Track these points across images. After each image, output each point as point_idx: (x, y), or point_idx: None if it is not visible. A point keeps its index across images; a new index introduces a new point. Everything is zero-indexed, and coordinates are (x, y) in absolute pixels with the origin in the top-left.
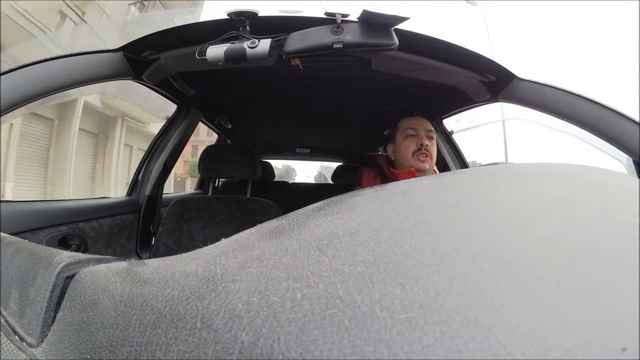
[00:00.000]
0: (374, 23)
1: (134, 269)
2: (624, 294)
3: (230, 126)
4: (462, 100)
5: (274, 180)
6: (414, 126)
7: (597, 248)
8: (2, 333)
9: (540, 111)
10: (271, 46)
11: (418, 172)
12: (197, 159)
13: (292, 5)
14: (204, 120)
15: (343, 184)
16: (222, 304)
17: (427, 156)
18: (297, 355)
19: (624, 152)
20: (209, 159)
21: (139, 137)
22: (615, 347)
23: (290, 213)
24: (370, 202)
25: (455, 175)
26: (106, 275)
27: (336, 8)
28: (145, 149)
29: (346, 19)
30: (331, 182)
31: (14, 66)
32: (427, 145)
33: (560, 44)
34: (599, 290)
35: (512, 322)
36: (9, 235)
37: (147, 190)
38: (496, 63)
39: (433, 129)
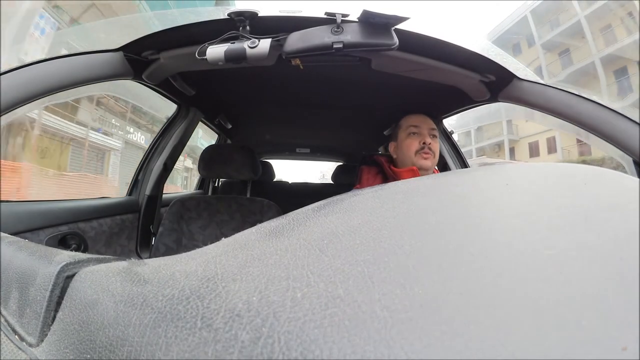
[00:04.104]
0: (374, 23)
1: (134, 268)
2: (624, 294)
3: (230, 126)
4: (462, 100)
5: (274, 180)
6: (417, 124)
7: (597, 248)
8: (2, 333)
9: (540, 111)
10: (271, 46)
11: (420, 170)
12: None
13: (292, 5)
14: (204, 120)
15: (343, 184)
16: (222, 304)
17: (429, 153)
18: (297, 355)
19: (624, 152)
20: (209, 159)
21: None
22: (615, 347)
23: (290, 213)
24: (370, 202)
25: (455, 175)
26: (106, 275)
27: (336, 8)
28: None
29: (346, 19)
30: (331, 182)
31: (14, 66)
32: (430, 143)
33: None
34: (599, 290)
35: (512, 322)
36: (9, 235)
37: (147, 190)
38: (496, 63)
39: (436, 127)
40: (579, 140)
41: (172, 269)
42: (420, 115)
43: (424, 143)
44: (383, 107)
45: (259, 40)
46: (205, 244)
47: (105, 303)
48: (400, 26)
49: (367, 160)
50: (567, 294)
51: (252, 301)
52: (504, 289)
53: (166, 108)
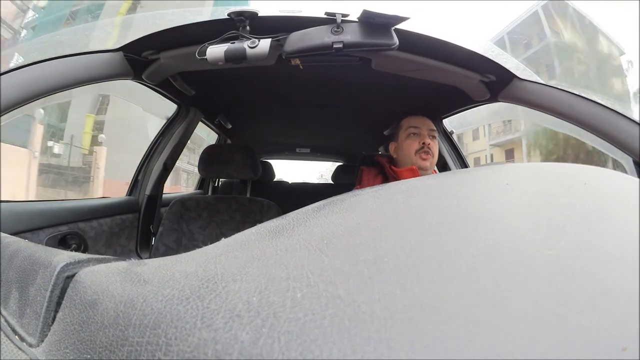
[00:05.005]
0: (374, 23)
1: (134, 268)
2: (624, 294)
3: (230, 126)
4: (462, 100)
5: (274, 180)
6: (417, 125)
7: (597, 248)
8: (2, 333)
9: (540, 111)
10: (271, 46)
11: (420, 171)
12: None
13: (292, 5)
14: (204, 120)
15: (343, 184)
16: (222, 304)
17: (429, 154)
18: (297, 355)
19: (624, 152)
20: (209, 159)
21: None
22: (615, 347)
23: (290, 213)
24: (370, 202)
25: (455, 175)
26: (106, 275)
27: (336, 8)
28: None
29: (346, 18)
30: (331, 182)
31: (14, 66)
32: (429, 144)
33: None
34: (599, 290)
35: (512, 322)
36: (9, 235)
37: (147, 190)
38: (496, 63)
39: (435, 128)
40: (507, 156)
41: (172, 269)
42: (420, 116)
43: (423, 143)
44: (383, 107)
45: (259, 40)
46: (205, 244)
47: (105, 303)
48: (400, 26)
49: (366, 161)
50: (567, 294)
51: (252, 301)
52: (504, 289)
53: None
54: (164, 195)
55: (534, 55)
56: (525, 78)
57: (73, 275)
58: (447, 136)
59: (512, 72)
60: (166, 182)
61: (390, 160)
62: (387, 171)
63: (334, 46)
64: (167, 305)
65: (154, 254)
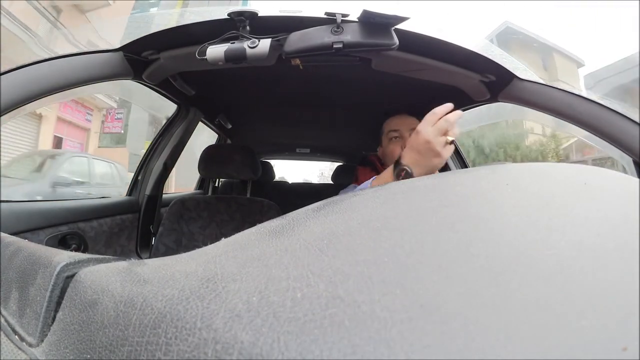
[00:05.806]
0: (374, 23)
1: (134, 268)
2: (623, 294)
3: (230, 126)
4: (462, 100)
5: (274, 180)
6: (397, 127)
7: (597, 248)
8: (2, 333)
9: (540, 111)
10: (271, 46)
11: None
12: None
13: (292, 5)
14: (204, 120)
15: (343, 184)
16: (222, 304)
17: None
18: (297, 355)
19: (624, 152)
20: (209, 159)
21: None
22: (615, 347)
23: (290, 213)
24: (370, 202)
25: (455, 175)
26: (106, 275)
27: (336, 8)
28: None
29: (346, 18)
30: (331, 182)
31: (13, 66)
32: None
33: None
34: (599, 290)
35: (512, 322)
36: (9, 235)
37: (147, 190)
38: (496, 63)
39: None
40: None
41: (172, 269)
42: (400, 116)
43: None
44: (383, 107)
45: (259, 40)
46: (205, 244)
47: (105, 303)
48: (400, 26)
49: (362, 161)
50: (567, 294)
51: (252, 301)
52: (504, 289)
53: None
54: (164, 196)
55: None
56: (526, 78)
57: (73, 275)
58: None
59: (512, 72)
60: None
61: (380, 160)
62: (379, 169)
63: (334, 46)
64: (167, 305)
65: (154, 254)
